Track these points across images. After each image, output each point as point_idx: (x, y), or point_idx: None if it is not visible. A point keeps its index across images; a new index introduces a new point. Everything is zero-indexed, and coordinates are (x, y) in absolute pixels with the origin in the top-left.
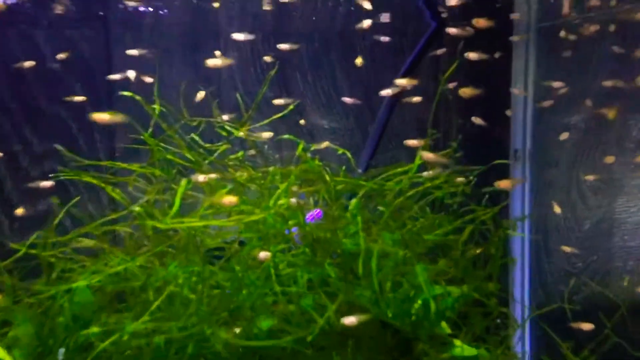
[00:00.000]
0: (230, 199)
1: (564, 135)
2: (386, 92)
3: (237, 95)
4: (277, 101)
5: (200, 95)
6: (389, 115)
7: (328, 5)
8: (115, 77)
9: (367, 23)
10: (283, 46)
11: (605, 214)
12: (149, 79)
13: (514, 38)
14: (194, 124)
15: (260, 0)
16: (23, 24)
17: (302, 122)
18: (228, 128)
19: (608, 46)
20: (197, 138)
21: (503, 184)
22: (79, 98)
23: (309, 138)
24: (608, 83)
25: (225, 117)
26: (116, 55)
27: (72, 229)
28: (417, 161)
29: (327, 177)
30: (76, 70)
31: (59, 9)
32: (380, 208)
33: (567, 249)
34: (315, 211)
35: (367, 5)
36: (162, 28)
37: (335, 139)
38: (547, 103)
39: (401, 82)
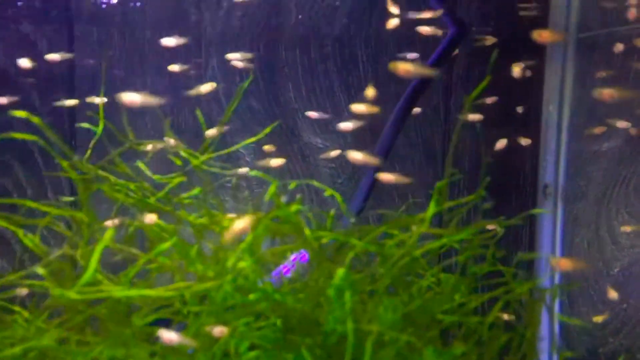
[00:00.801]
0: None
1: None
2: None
3: (197, 112)
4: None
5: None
6: (392, 142)
7: (327, 7)
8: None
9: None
10: (232, 56)
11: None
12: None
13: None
14: (145, 147)
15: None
16: None
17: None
18: (184, 154)
19: None
20: (142, 167)
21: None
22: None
23: (300, 158)
24: None
25: (171, 141)
26: (78, 55)
27: None
28: (432, 209)
29: (307, 232)
30: (32, 71)
31: None
32: (381, 270)
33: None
34: (300, 253)
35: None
36: (136, 29)
37: (331, 160)
38: (598, 130)
39: (358, 107)
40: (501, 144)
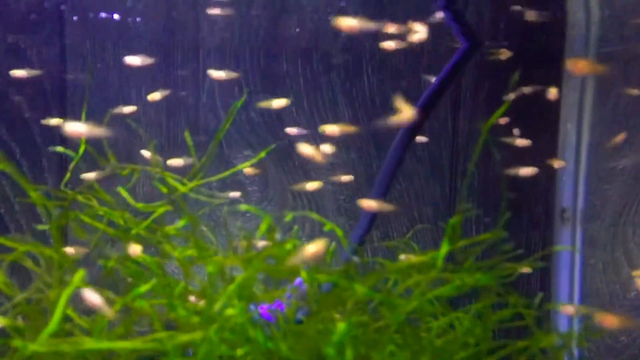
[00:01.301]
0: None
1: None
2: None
3: (185, 134)
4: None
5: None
6: (393, 173)
7: (331, 16)
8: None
9: (391, 45)
10: (216, 74)
11: None
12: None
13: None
14: (124, 172)
15: (248, 8)
16: None
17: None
18: (171, 182)
19: None
20: (124, 193)
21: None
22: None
23: (301, 174)
24: None
25: (177, 161)
26: (70, 65)
27: None
28: (444, 248)
29: (304, 274)
30: (21, 82)
31: None
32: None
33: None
34: (297, 281)
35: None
36: (131, 36)
37: (334, 175)
38: (616, 142)
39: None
40: (527, 171)
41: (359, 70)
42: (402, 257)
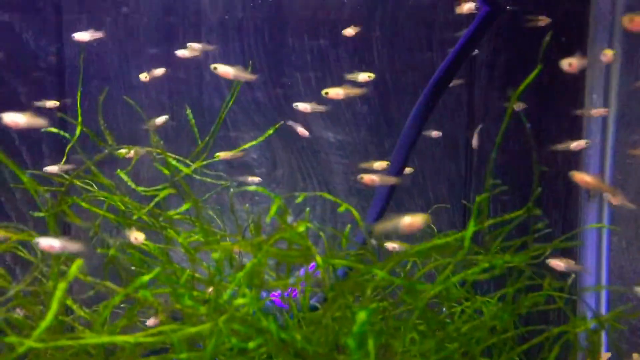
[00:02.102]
0: None
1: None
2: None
3: (187, 111)
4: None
5: (160, 120)
6: (414, 141)
7: None
8: None
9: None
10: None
11: None
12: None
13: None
14: (127, 154)
15: None
16: None
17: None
18: (175, 163)
19: None
20: (124, 176)
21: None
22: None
23: (310, 154)
24: None
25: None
26: (68, 45)
27: None
28: (470, 228)
29: (319, 259)
30: (17, 64)
31: None
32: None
33: None
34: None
35: None
36: (130, 16)
37: (344, 155)
38: None
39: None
40: (579, 144)
41: (368, 44)
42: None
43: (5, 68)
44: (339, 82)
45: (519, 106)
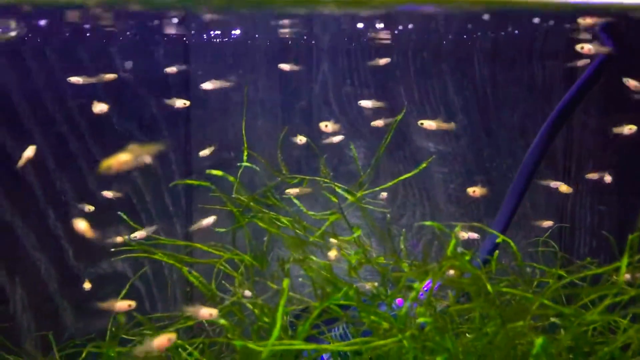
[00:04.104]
0: None
1: None
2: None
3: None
4: (376, 123)
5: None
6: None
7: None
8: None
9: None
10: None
11: None
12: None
13: None
14: (293, 181)
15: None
16: (97, 39)
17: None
18: (340, 191)
19: None
20: (297, 202)
21: None
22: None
23: (412, 163)
24: None
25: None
26: (194, 67)
27: None
28: (625, 260)
29: (489, 287)
30: (151, 83)
31: None
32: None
33: None
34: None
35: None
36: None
37: (443, 164)
38: None
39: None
40: None
41: (469, 59)
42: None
43: (139, 85)
44: (441, 96)
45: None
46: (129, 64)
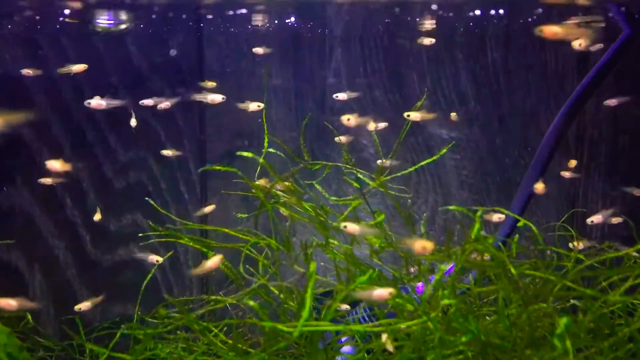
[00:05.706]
0: None
1: None
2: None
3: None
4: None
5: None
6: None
7: None
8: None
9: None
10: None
11: None
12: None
13: None
14: (315, 167)
15: None
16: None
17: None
18: (361, 176)
19: None
20: (319, 188)
21: None
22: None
23: (424, 150)
24: None
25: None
26: (208, 56)
27: None
28: None
29: (513, 269)
30: (165, 74)
31: None
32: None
33: None
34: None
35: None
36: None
37: (456, 151)
38: None
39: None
40: None
41: (482, 47)
42: (575, 244)
43: (153, 76)
44: (454, 84)
45: None
46: (173, 52)
